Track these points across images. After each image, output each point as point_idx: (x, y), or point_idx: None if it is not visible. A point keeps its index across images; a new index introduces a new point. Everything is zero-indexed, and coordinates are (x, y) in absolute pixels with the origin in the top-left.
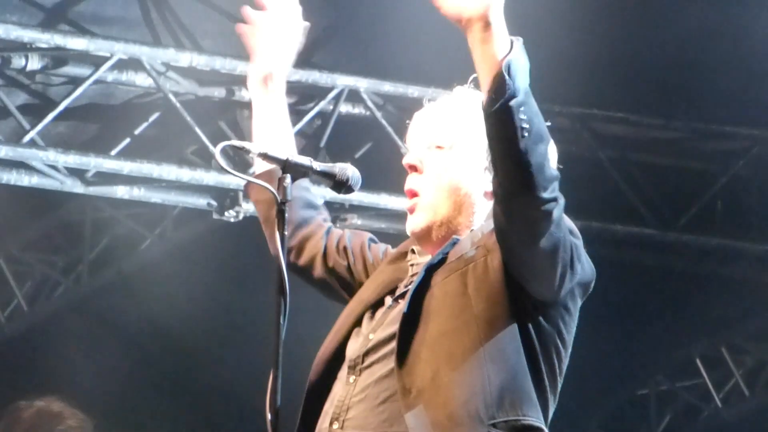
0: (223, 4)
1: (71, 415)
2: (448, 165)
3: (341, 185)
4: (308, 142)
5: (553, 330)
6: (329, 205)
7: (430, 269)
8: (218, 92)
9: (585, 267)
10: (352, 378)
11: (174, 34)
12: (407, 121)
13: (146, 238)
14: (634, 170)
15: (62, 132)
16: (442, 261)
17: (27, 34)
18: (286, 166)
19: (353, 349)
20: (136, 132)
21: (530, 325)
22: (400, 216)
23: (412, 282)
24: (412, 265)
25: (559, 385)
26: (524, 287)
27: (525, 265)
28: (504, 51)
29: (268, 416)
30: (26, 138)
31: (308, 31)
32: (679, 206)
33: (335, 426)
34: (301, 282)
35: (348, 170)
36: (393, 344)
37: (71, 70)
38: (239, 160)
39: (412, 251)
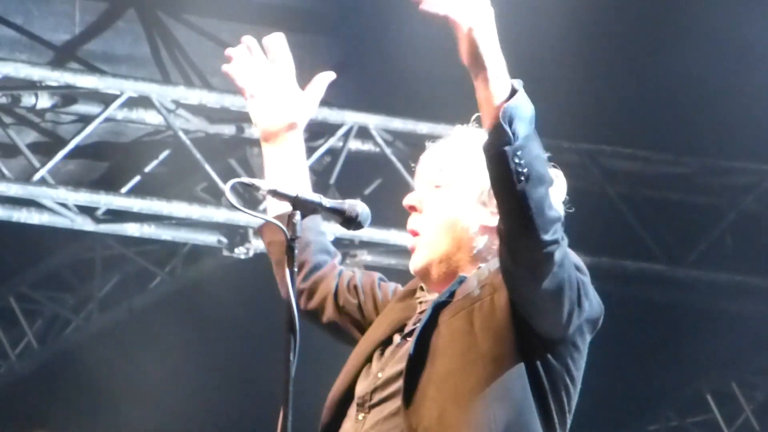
0: (232, 42)
1: None
2: (444, 203)
3: (351, 222)
4: (318, 178)
5: (562, 367)
6: (339, 241)
7: (437, 307)
8: (228, 129)
9: (593, 303)
10: (361, 416)
11: (183, 71)
12: (417, 159)
13: (156, 275)
14: (643, 206)
15: (72, 170)
16: (449, 299)
17: (37, 73)
18: (296, 203)
19: (362, 387)
20: (147, 169)
21: (538, 363)
22: (410, 253)
23: (420, 320)
24: (420, 302)
25: (569, 422)
26: (531, 325)
27: (531, 305)
28: (504, 96)
29: None
30: (36, 176)
31: (317, 67)
32: (689, 242)
33: None
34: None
35: (357, 207)
36: (400, 382)
37: (81, 108)
38: (249, 197)
39: (421, 288)
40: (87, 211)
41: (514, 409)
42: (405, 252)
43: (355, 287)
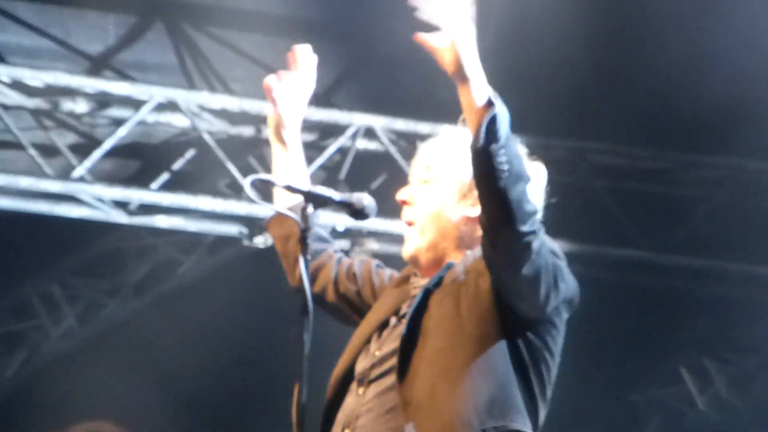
0: (250, 51)
1: None
2: (431, 196)
3: (358, 213)
4: (329, 175)
5: (542, 344)
6: (348, 231)
7: (427, 292)
8: (247, 131)
9: (569, 285)
10: (361, 390)
11: (207, 78)
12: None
13: (183, 263)
14: (626, 198)
15: (107, 168)
16: (438, 284)
17: (75, 81)
18: (308, 197)
19: (362, 365)
20: (174, 167)
21: (519, 341)
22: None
23: (412, 303)
24: (413, 287)
25: (549, 393)
26: (512, 307)
27: (511, 289)
28: (484, 101)
29: (295, 427)
30: (75, 174)
31: (328, 73)
32: (668, 230)
33: None
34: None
35: (364, 200)
36: (395, 360)
37: (115, 112)
38: (266, 192)
39: (414, 275)
40: (120, 205)
41: (498, 382)
42: None
43: (354, 275)
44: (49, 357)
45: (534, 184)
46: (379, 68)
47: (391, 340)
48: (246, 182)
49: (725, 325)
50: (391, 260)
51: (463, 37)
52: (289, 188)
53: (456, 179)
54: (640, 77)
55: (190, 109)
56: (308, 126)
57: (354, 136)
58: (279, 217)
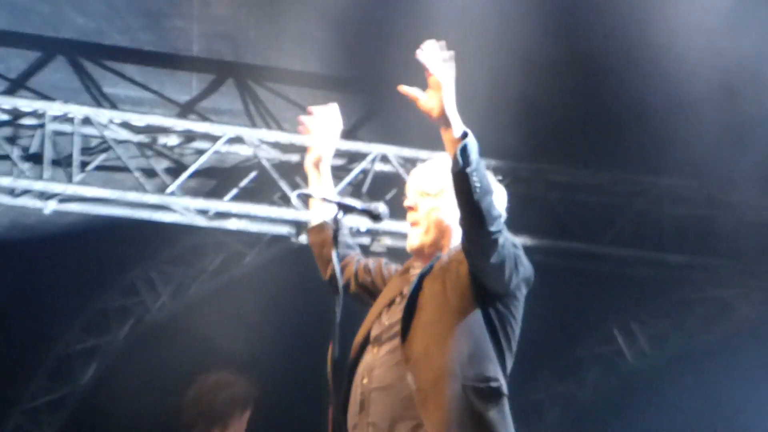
0: (297, 99)
1: (239, 382)
2: (434, 206)
3: (376, 217)
4: (354, 189)
5: (507, 312)
6: (369, 231)
7: (422, 277)
8: (295, 157)
9: (526, 268)
10: (375, 350)
11: (265, 120)
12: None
13: (247, 255)
14: (571, 205)
15: (192, 186)
16: (429, 270)
17: (168, 122)
18: (339, 206)
19: (376, 331)
20: (241, 185)
21: (490, 310)
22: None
23: (399, 296)
24: (413, 274)
25: (514, 348)
26: (484, 286)
27: (483, 273)
28: (459, 135)
29: (329, 376)
30: (168, 190)
31: (353, 114)
32: (604, 229)
33: (365, 380)
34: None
35: (380, 207)
36: (399, 327)
37: (197, 144)
38: (307, 203)
39: (413, 266)
40: (202, 212)
41: (475, 342)
42: None
43: (369, 270)
44: (149, 325)
45: (498, 195)
46: (391, 110)
47: (396, 313)
48: (293, 195)
49: (645, 298)
50: (399, 252)
51: (447, 93)
52: (325, 199)
53: (450, 193)
54: (586, 108)
55: (252, 142)
56: (339, 154)
57: (373, 161)
58: (317, 227)
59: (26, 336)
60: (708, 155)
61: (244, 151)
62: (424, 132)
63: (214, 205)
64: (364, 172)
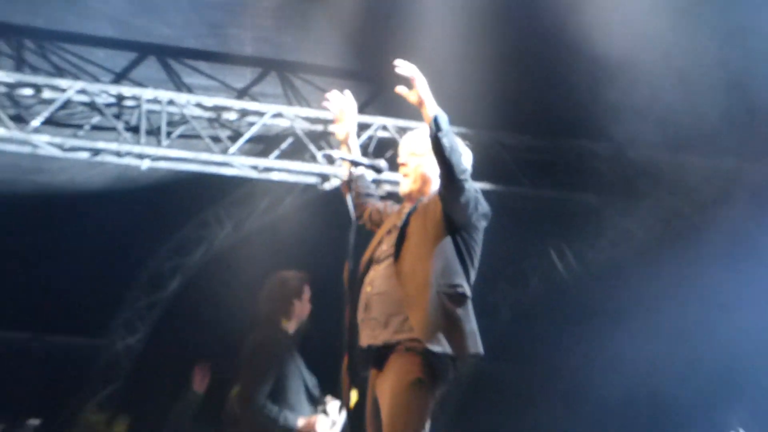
0: (321, 85)
1: (291, 275)
2: (419, 163)
3: (378, 170)
4: (363, 151)
5: (470, 238)
6: (374, 180)
7: (409, 214)
8: (320, 128)
9: (484, 206)
10: (376, 266)
11: (298, 100)
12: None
13: (286, 199)
14: (520, 161)
15: (246, 148)
16: (415, 209)
17: (228, 103)
18: (353, 162)
19: (377, 253)
20: (281, 147)
21: (458, 237)
22: (401, 185)
23: (402, 220)
24: (403, 212)
25: (476, 265)
26: (452, 218)
27: (453, 210)
28: (434, 112)
29: (346, 285)
30: (230, 152)
31: (363, 95)
32: (542, 178)
33: (369, 288)
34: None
35: (381, 163)
36: (393, 250)
37: (250, 119)
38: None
39: (404, 207)
40: (254, 168)
41: (446, 260)
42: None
43: (378, 211)
44: (217, 249)
45: (465, 155)
46: (389, 92)
47: (391, 239)
48: (319, 154)
49: (571, 227)
50: (396, 195)
51: (423, 89)
52: (343, 158)
53: (430, 154)
54: (536, 85)
55: (289, 116)
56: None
57: (376, 130)
58: (346, 183)
59: (129, 257)
60: (618, 122)
61: (283, 123)
62: (413, 108)
63: (262, 162)
64: (370, 138)
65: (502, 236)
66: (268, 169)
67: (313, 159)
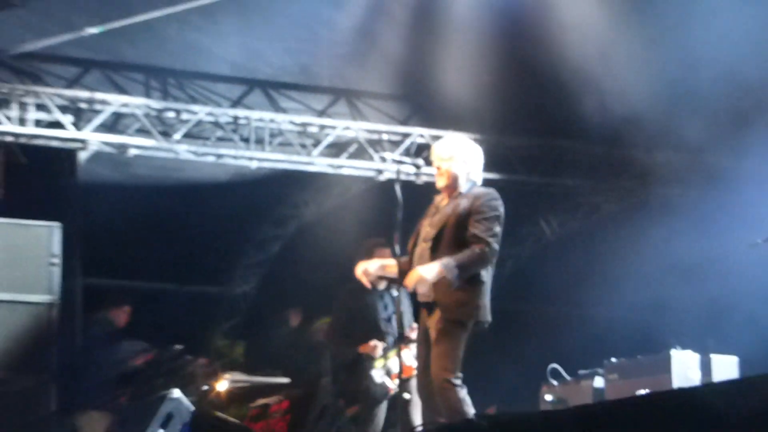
0: (377, 106)
1: (368, 240)
2: (446, 165)
3: (417, 166)
4: (406, 152)
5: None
6: (415, 173)
7: (447, 207)
8: (376, 136)
9: (500, 225)
10: (423, 243)
11: (361, 116)
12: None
13: (353, 187)
14: (518, 156)
15: (324, 151)
16: (453, 205)
17: (312, 120)
18: (401, 162)
19: (423, 234)
20: (349, 150)
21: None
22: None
23: (437, 213)
24: (440, 204)
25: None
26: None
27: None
28: (449, 277)
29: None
30: (313, 154)
31: (404, 111)
32: (534, 168)
33: (418, 260)
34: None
35: (419, 161)
36: (433, 236)
37: (327, 131)
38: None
39: (443, 197)
40: (330, 166)
41: (464, 248)
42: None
43: None
44: (306, 223)
45: (476, 158)
46: (425, 109)
47: (434, 224)
48: (375, 155)
49: (556, 202)
50: (432, 185)
51: (425, 286)
52: (395, 160)
53: (460, 160)
54: (529, 93)
55: (354, 128)
56: (398, 133)
57: (416, 137)
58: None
59: (243, 229)
60: (597, 124)
61: (350, 133)
62: (443, 121)
63: (335, 161)
64: (411, 143)
65: (506, 211)
66: (339, 167)
67: (371, 159)
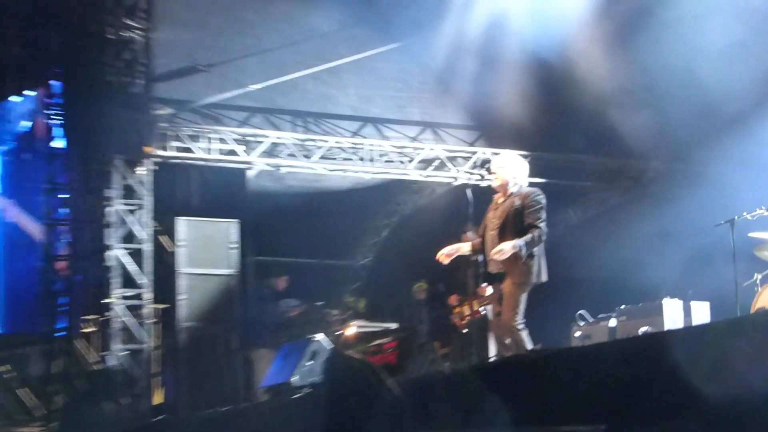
0: (453, 134)
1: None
2: (500, 173)
3: (483, 178)
4: (473, 165)
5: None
6: (481, 177)
7: (505, 203)
8: (450, 154)
9: (546, 212)
10: (490, 231)
11: (442, 141)
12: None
13: (437, 190)
14: (548, 168)
15: (415, 165)
16: (509, 202)
17: (404, 143)
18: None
19: (489, 221)
20: (434, 164)
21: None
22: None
23: (498, 207)
24: (498, 201)
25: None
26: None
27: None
28: (522, 250)
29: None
30: (409, 167)
31: (473, 137)
32: (559, 174)
33: (488, 242)
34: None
35: (485, 173)
36: (498, 225)
37: (414, 152)
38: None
39: (500, 196)
40: (419, 173)
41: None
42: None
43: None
44: (405, 215)
45: (524, 172)
46: (487, 135)
47: (497, 216)
48: (453, 168)
49: (575, 199)
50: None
51: (506, 254)
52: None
53: (510, 170)
54: (561, 118)
55: (437, 150)
56: (467, 151)
57: (481, 154)
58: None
59: (362, 220)
60: (590, 144)
61: (433, 153)
62: (500, 142)
63: (424, 172)
64: (477, 158)
65: (549, 206)
66: (427, 176)
67: (449, 170)
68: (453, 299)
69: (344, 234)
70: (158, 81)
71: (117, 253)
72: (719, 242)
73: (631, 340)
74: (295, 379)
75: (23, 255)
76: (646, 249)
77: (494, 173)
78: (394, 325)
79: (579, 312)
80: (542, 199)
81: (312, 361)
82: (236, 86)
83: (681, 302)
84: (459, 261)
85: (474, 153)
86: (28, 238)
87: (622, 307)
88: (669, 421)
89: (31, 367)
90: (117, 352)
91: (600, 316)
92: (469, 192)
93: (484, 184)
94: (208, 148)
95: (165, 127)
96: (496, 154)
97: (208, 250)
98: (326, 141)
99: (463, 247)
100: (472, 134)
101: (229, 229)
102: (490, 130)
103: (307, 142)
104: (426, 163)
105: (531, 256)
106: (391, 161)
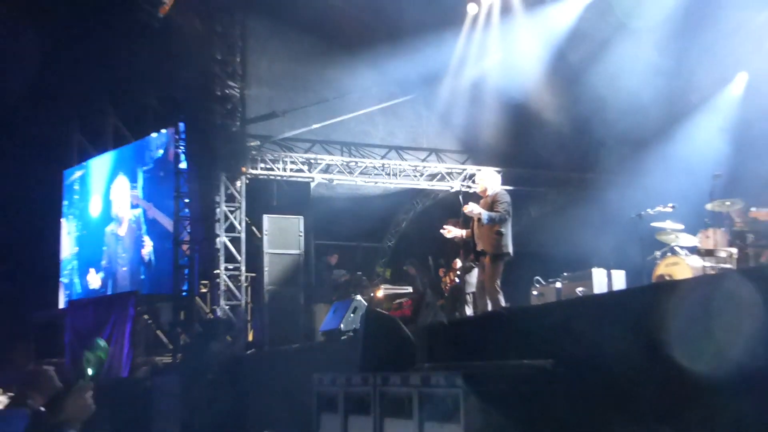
0: (452, 157)
1: (454, 221)
2: (483, 183)
3: (469, 186)
4: (464, 178)
5: (507, 215)
6: (466, 187)
7: (483, 201)
8: (448, 169)
9: (510, 207)
10: (476, 222)
11: (444, 162)
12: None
13: (440, 193)
14: (520, 179)
15: (425, 176)
16: (485, 199)
17: (420, 164)
18: (460, 192)
19: (475, 218)
20: (437, 177)
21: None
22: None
23: (480, 205)
24: (480, 201)
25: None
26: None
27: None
28: (483, 216)
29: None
30: (422, 179)
31: (465, 159)
32: (528, 183)
33: (476, 231)
34: None
35: (472, 184)
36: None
37: (424, 169)
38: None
39: (481, 197)
40: (428, 182)
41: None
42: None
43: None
44: (417, 212)
45: (496, 182)
46: (473, 156)
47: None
48: (452, 181)
49: (539, 200)
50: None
51: (477, 211)
52: (458, 192)
53: (488, 182)
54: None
55: (440, 168)
56: (460, 169)
57: (470, 171)
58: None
59: (387, 216)
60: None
61: (437, 169)
62: (485, 161)
63: (430, 183)
64: (467, 173)
65: (514, 200)
66: (433, 186)
67: (449, 182)
68: (441, 271)
69: (376, 225)
70: (250, 123)
71: (223, 239)
72: (633, 229)
73: (571, 301)
74: (342, 327)
75: (161, 240)
76: (582, 234)
77: (478, 183)
78: (409, 289)
79: (535, 277)
80: (507, 197)
81: (353, 314)
82: (303, 125)
83: (605, 271)
84: (452, 244)
85: (464, 169)
86: (163, 229)
87: (565, 274)
88: (601, 354)
89: (163, 317)
90: (222, 306)
91: (550, 280)
92: (461, 196)
93: (471, 191)
94: (284, 167)
95: (254, 154)
96: (479, 170)
97: (283, 237)
98: (364, 162)
99: (462, 232)
100: (463, 156)
101: (298, 223)
102: (476, 153)
103: (350, 163)
104: (432, 176)
105: (500, 233)
106: (408, 176)
